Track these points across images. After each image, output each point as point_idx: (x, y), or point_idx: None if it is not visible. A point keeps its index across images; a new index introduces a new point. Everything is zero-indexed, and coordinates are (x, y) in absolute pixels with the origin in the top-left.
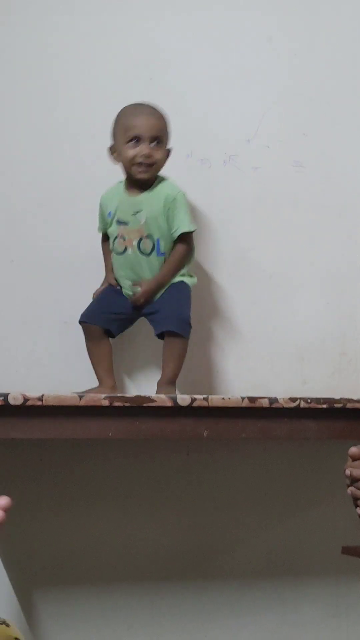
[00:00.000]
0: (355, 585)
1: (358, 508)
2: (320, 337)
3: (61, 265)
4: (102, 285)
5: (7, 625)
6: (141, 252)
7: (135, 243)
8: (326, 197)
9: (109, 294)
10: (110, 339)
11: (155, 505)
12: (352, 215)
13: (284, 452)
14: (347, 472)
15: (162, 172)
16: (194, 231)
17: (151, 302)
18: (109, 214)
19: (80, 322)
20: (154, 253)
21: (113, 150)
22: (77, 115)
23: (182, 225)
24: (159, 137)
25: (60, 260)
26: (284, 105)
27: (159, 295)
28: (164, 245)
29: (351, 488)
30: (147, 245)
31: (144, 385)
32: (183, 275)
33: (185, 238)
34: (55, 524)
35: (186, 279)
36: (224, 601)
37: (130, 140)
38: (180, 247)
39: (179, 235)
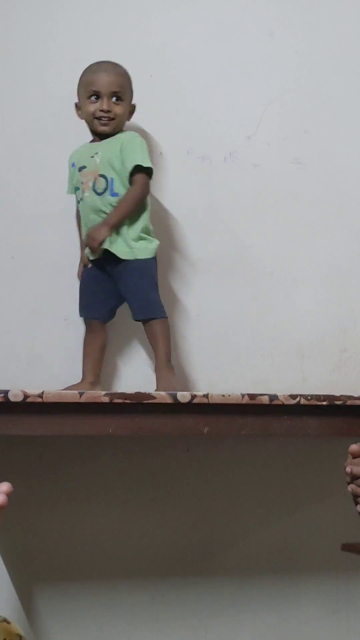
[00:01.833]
0: (355, 582)
1: (358, 505)
2: (320, 333)
3: (62, 261)
4: (80, 262)
5: (8, 622)
6: (95, 192)
7: (90, 184)
8: (326, 194)
9: (90, 280)
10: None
11: (155, 502)
12: (353, 212)
13: (284, 449)
14: (347, 469)
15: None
16: (149, 171)
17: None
18: (72, 164)
19: (81, 317)
20: (107, 192)
21: (78, 107)
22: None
23: (136, 159)
24: (118, 93)
25: (61, 256)
26: (285, 102)
27: (128, 257)
28: (117, 186)
29: (351, 485)
30: (100, 184)
31: (127, 373)
32: (141, 239)
33: (140, 177)
34: (56, 521)
35: (146, 251)
36: (224, 597)
37: (91, 96)
38: (133, 186)
39: (133, 175)
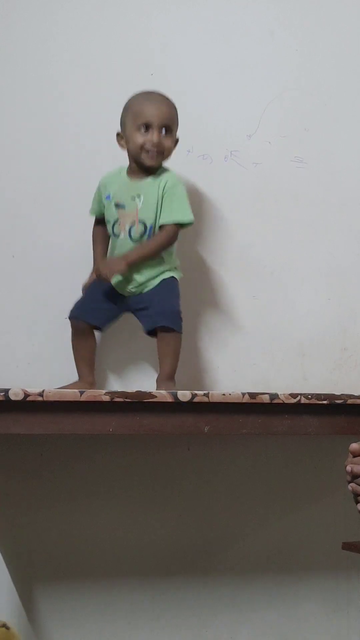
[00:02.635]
0: (356, 581)
1: (358, 504)
2: (321, 332)
3: (62, 261)
4: (89, 276)
5: (7, 628)
6: (131, 238)
7: (127, 227)
8: (327, 192)
9: (98, 287)
10: (95, 333)
11: (155, 501)
12: (353, 211)
13: (285, 448)
14: (348, 468)
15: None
16: (184, 225)
17: (124, 275)
18: (108, 196)
19: (69, 317)
20: (145, 238)
21: (121, 136)
22: (79, 111)
23: (174, 215)
24: (169, 126)
25: (61, 256)
26: (285, 100)
27: (147, 289)
28: (156, 232)
29: (352, 484)
30: (138, 231)
31: (130, 381)
32: (171, 270)
33: (171, 228)
34: (56, 520)
35: (175, 273)
36: (224, 596)
37: (141, 127)
38: (162, 234)
39: (166, 224)
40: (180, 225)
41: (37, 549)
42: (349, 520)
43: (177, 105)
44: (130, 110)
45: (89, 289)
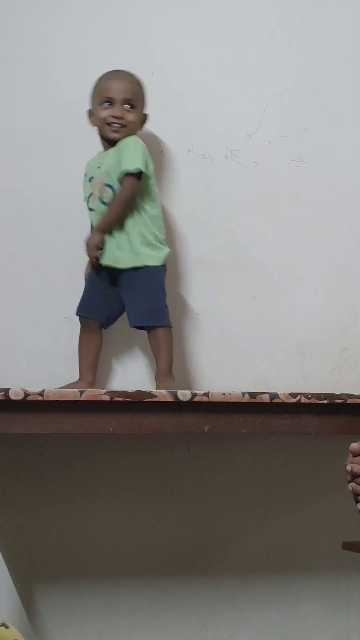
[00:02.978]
0: (356, 581)
1: (358, 504)
2: (321, 332)
3: (62, 260)
4: (87, 266)
5: (7, 627)
6: (102, 202)
7: (97, 194)
8: (327, 192)
9: (95, 280)
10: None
11: (155, 501)
12: (353, 211)
13: (285, 447)
14: (348, 467)
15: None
16: (137, 173)
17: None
18: (85, 174)
19: (78, 315)
20: None
21: (91, 114)
22: (78, 111)
23: (125, 164)
24: (131, 101)
25: (62, 255)
26: (285, 100)
27: (128, 266)
28: None
29: (352, 484)
30: (107, 194)
31: (130, 380)
32: (150, 245)
33: (126, 180)
34: (56, 520)
35: (153, 258)
36: (224, 596)
37: (104, 102)
38: (120, 189)
39: (125, 175)
40: (135, 175)
41: (37, 549)
42: (349, 520)
43: (177, 105)
44: (96, 88)
45: (88, 283)
